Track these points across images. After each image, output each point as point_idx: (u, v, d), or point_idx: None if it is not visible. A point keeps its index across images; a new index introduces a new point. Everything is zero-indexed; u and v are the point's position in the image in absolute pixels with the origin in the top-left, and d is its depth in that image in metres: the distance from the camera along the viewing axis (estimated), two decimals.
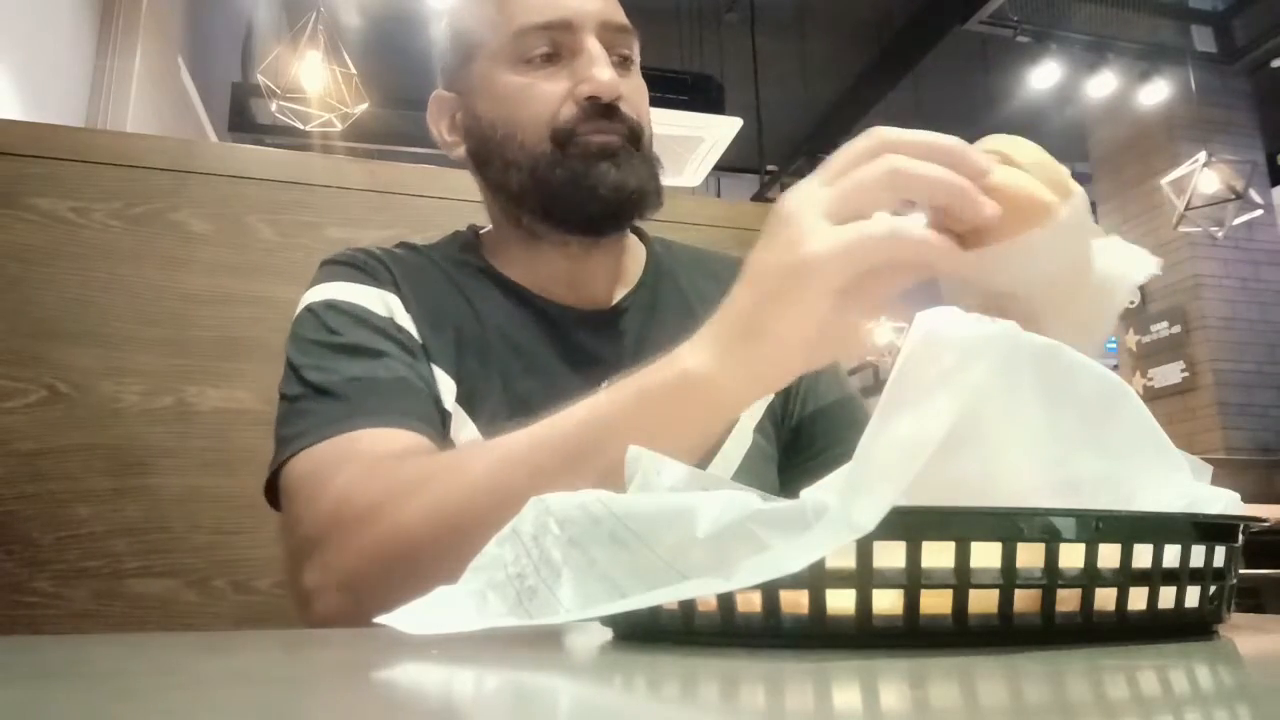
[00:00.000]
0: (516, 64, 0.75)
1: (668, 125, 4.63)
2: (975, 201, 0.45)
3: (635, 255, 0.85)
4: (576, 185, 0.72)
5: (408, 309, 0.73)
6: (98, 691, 0.27)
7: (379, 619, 0.37)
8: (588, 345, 0.77)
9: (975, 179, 0.45)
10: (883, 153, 0.46)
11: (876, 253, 0.47)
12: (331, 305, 0.71)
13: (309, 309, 0.72)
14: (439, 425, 0.67)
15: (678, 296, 0.83)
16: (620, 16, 0.78)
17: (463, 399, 0.71)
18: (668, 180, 0.77)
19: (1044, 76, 5.41)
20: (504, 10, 0.76)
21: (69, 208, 0.99)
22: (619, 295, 0.81)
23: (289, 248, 1.05)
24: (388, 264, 0.76)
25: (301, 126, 3.70)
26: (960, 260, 0.46)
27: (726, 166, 6.22)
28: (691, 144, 4.92)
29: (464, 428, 0.70)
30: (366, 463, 0.59)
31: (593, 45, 0.74)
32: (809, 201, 0.48)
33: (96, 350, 0.97)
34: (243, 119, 5.62)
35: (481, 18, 0.78)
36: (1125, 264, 0.47)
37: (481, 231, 0.86)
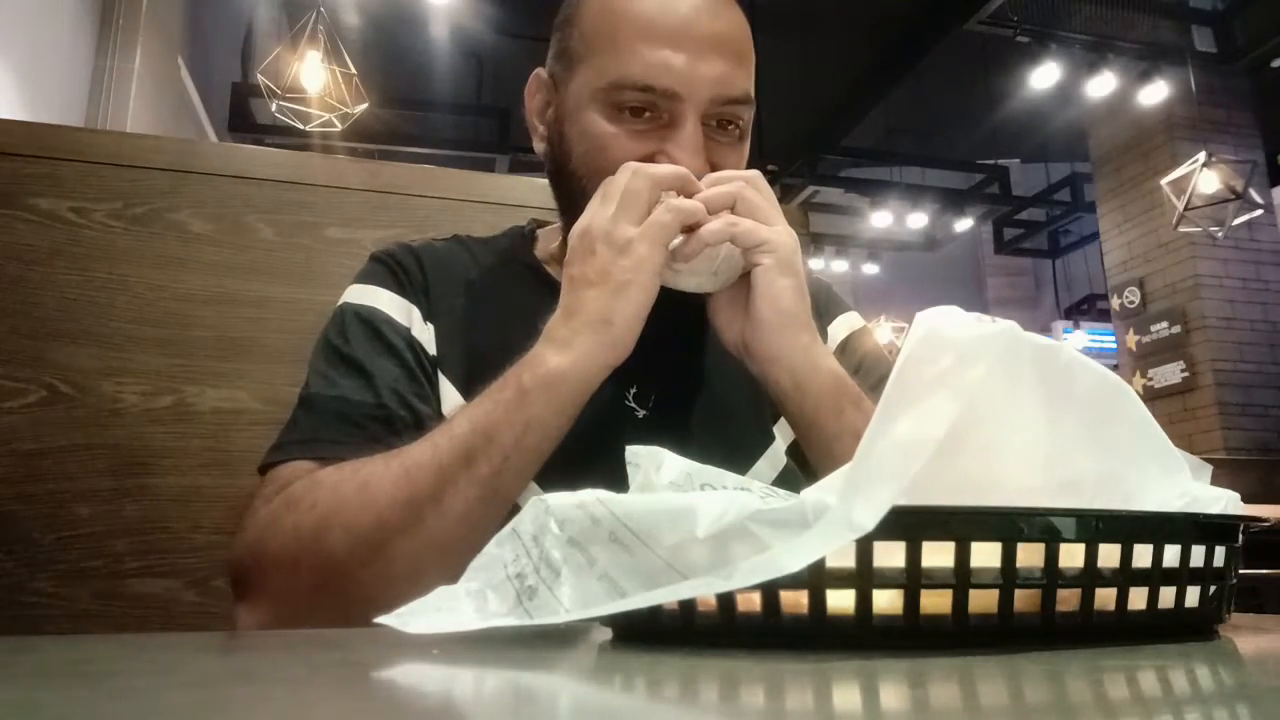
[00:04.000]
0: (609, 107, 0.71)
1: None
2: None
3: None
4: None
5: (432, 317, 0.75)
6: (98, 691, 0.27)
7: (379, 619, 0.37)
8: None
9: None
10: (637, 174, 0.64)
11: (671, 228, 0.63)
12: (357, 312, 0.74)
13: (342, 308, 0.75)
14: (390, 446, 0.67)
15: None
16: (735, 88, 0.71)
17: None
18: None
19: (1044, 76, 5.40)
20: (617, 46, 0.70)
21: (69, 208, 0.99)
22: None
23: (289, 248, 1.04)
24: (426, 267, 0.78)
25: (301, 126, 3.70)
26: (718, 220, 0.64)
27: None
28: None
29: None
30: (294, 493, 0.63)
31: (690, 126, 0.69)
32: (608, 221, 0.64)
33: (96, 350, 0.97)
34: (243, 119, 5.63)
35: (596, 33, 0.72)
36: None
37: (540, 230, 0.86)
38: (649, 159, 0.69)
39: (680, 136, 0.69)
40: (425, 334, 0.74)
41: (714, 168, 0.71)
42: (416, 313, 0.75)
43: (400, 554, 0.58)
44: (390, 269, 0.77)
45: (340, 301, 0.77)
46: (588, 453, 0.69)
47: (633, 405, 0.74)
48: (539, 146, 0.79)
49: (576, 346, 0.62)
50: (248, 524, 0.65)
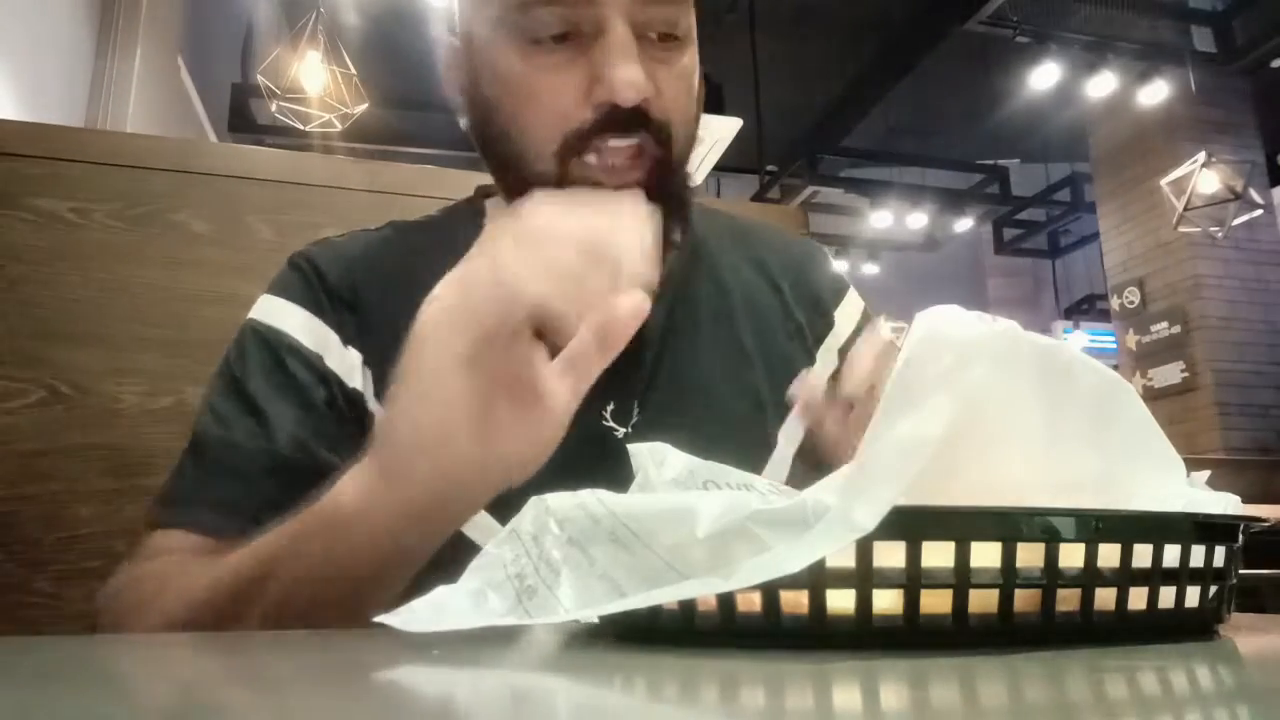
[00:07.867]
0: (524, 42, 0.60)
1: None
2: None
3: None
4: None
5: (362, 334, 0.66)
6: (98, 691, 0.27)
7: (379, 619, 0.37)
8: None
9: None
10: None
11: (473, 313, 0.47)
12: (262, 334, 0.66)
13: (247, 324, 0.67)
14: (284, 503, 0.54)
15: (713, 286, 0.73)
16: None
17: None
18: None
19: (1044, 76, 5.40)
20: None
21: (69, 208, 0.99)
22: None
23: (289, 248, 1.03)
24: (354, 271, 0.69)
25: (301, 127, 3.70)
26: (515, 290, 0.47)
27: (726, 166, 6.21)
28: None
29: None
30: (139, 574, 0.59)
31: (617, 31, 0.58)
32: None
33: (96, 350, 0.97)
34: (243, 119, 5.63)
35: None
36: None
37: (490, 201, 0.76)
38: (583, 96, 0.59)
39: (608, 44, 0.58)
40: (345, 363, 0.64)
41: (658, 92, 0.60)
42: (334, 338, 0.65)
43: None
44: (307, 280, 0.67)
45: (249, 314, 0.67)
46: (562, 483, 0.58)
47: (611, 424, 0.65)
48: (461, 120, 0.68)
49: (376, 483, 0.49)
50: (110, 581, 0.60)
